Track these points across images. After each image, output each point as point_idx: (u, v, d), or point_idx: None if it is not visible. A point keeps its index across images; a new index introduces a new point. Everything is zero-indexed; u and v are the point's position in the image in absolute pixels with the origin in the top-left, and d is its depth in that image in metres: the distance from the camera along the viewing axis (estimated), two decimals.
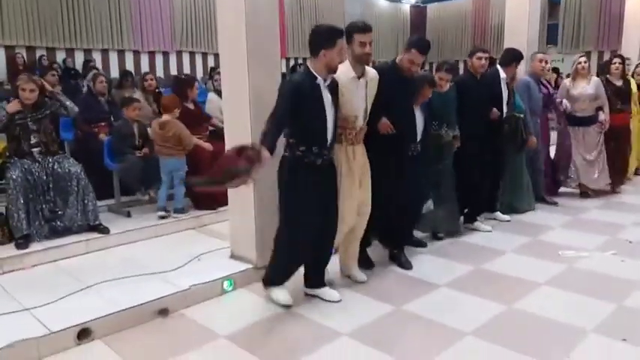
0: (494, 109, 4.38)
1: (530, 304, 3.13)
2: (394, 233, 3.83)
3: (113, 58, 12.03)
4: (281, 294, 3.12)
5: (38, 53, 10.59)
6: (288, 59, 14.41)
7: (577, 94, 5.38)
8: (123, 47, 12.03)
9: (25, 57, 10.23)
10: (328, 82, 2.96)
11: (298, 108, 2.84)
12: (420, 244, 4.12)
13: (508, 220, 4.79)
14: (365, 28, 3.12)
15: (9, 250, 3.67)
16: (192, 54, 13.50)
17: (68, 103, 4.10)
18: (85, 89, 6.15)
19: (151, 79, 6.15)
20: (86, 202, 3.99)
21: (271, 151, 2.67)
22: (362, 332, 2.82)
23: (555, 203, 5.32)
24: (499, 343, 2.67)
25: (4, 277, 3.44)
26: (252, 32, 3.32)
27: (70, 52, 11.15)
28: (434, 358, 2.56)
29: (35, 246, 3.75)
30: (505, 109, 4.54)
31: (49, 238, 3.86)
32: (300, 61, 14.36)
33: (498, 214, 4.85)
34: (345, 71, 3.11)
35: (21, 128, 3.86)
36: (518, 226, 4.70)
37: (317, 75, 2.91)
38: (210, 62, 13.23)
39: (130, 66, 11.77)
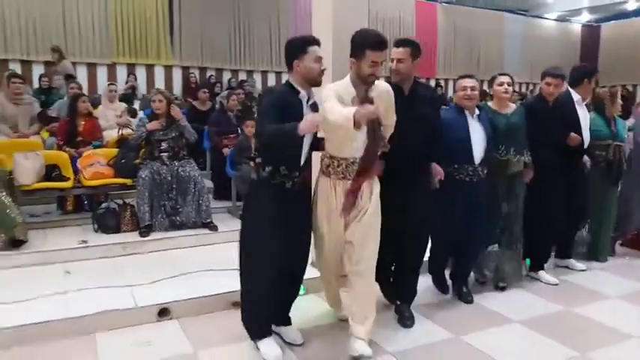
0: (573, 134, 3.77)
1: (611, 357, 2.76)
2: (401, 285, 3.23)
3: (271, 78, 13.24)
4: (267, 348, 2.73)
5: (208, 73, 12.15)
6: (437, 80, 14.25)
7: None
8: (280, 69, 13.15)
9: (197, 77, 11.81)
10: (312, 101, 2.64)
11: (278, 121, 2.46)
12: (467, 297, 3.49)
13: (584, 270, 4.10)
14: (381, 44, 2.56)
15: (134, 236, 4.37)
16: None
17: (190, 130, 4.69)
18: (217, 106, 6.94)
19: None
20: (200, 202, 4.57)
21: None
22: (408, 355, 2.78)
23: None
24: None
25: (126, 258, 4.11)
26: (339, 50, 3.24)
27: (234, 72, 12.57)
28: None
29: (155, 235, 4.40)
30: (586, 135, 3.89)
31: (167, 230, 4.49)
32: (450, 82, 14.11)
33: (572, 261, 4.17)
34: (343, 88, 2.64)
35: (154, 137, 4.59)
36: (632, 269, 4.12)
37: (299, 89, 2.60)
38: None
39: None
